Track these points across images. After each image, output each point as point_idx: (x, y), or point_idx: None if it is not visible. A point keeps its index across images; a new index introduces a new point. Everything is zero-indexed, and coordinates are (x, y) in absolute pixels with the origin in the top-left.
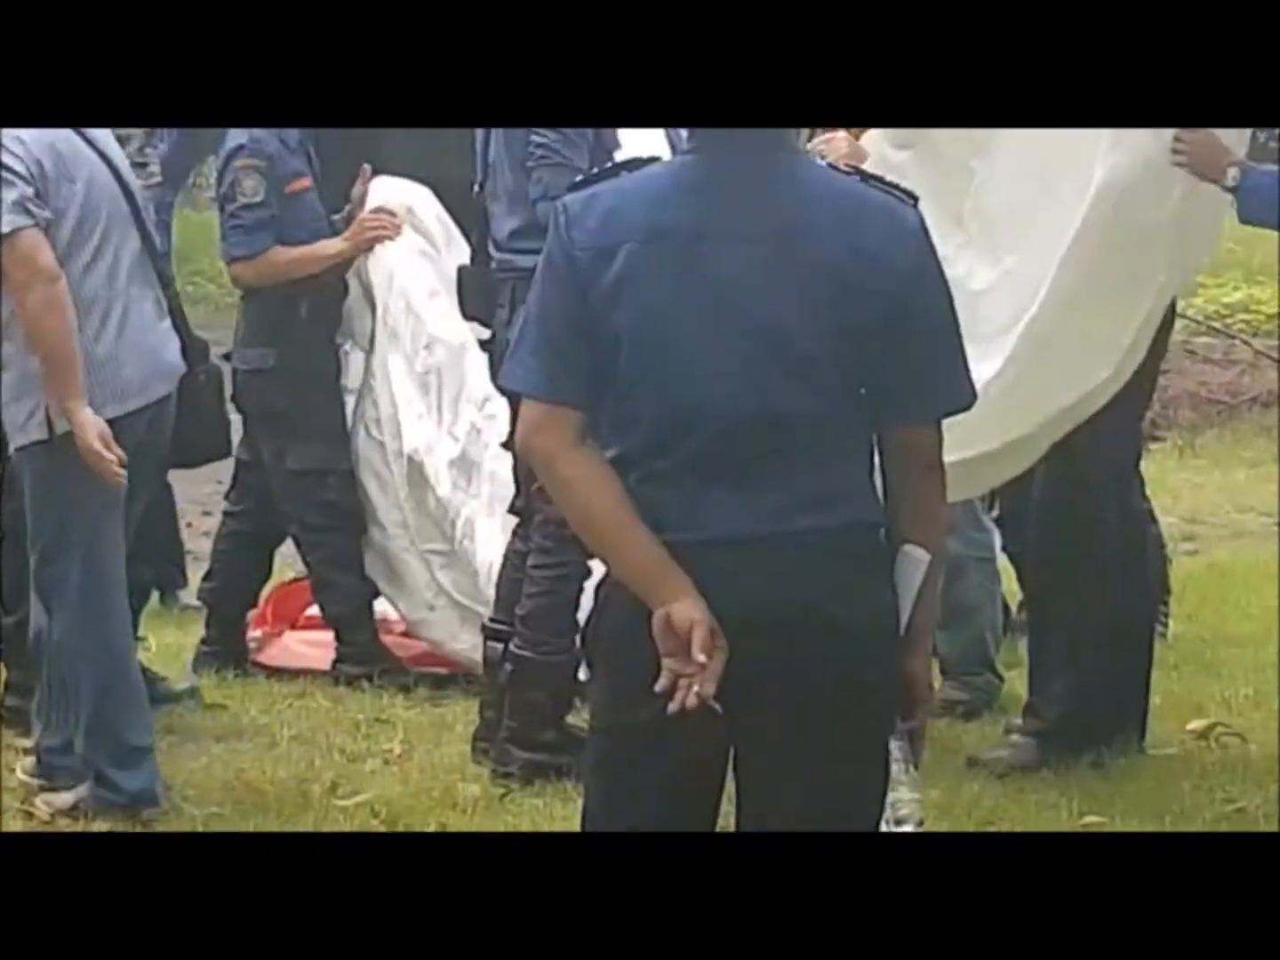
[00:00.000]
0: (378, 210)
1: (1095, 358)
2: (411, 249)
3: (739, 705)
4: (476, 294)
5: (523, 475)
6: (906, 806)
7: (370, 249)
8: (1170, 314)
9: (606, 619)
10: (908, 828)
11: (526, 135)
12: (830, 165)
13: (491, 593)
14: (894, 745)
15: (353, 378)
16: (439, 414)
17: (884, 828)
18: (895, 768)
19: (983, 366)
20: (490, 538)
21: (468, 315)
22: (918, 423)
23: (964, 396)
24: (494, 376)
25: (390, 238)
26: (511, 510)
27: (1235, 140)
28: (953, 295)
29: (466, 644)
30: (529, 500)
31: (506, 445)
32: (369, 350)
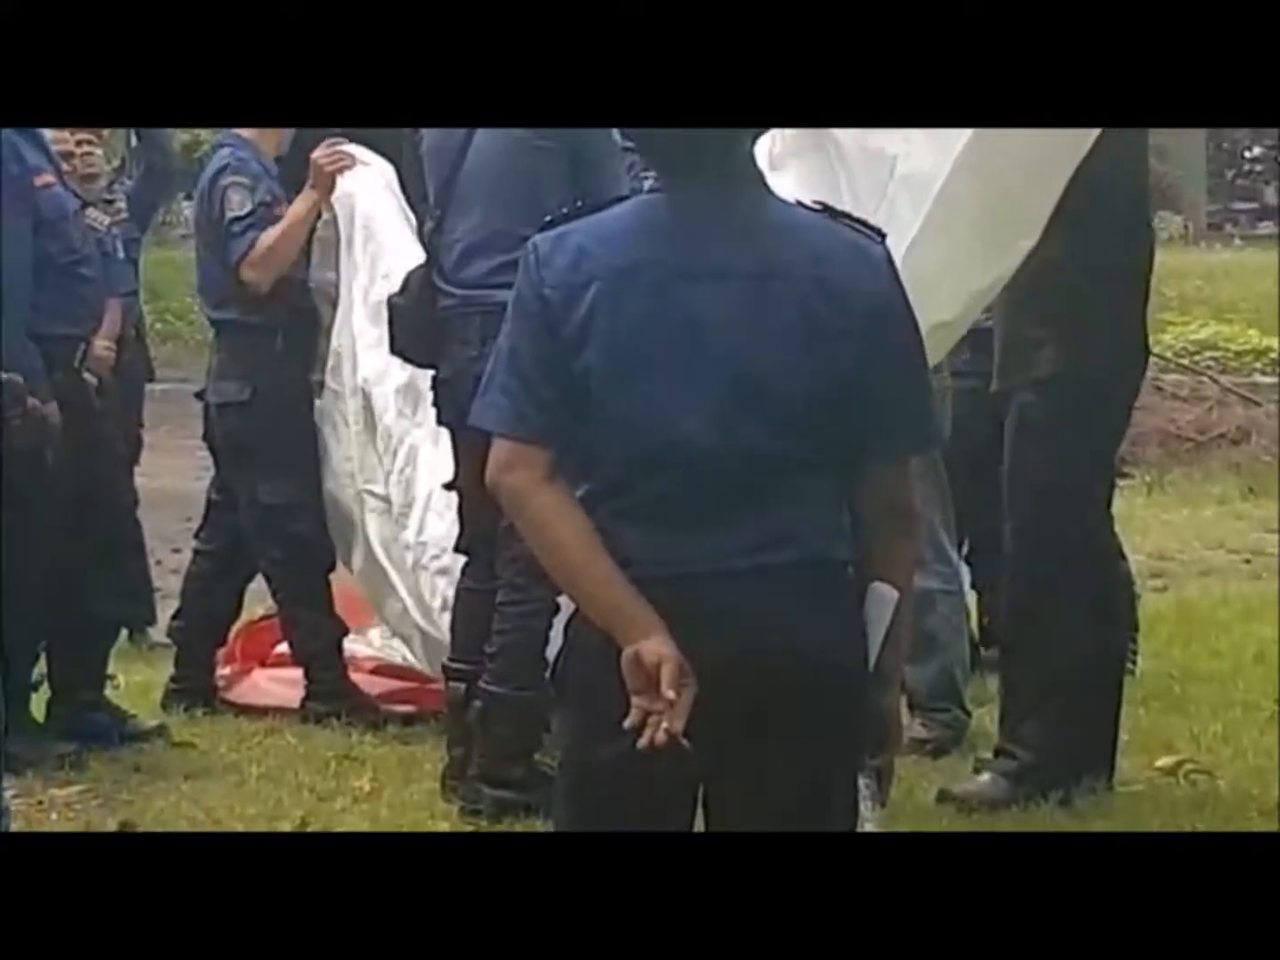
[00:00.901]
0: (329, 145)
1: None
2: (375, 183)
3: (708, 741)
4: (413, 330)
5: (471, 513)
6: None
7: (333, 184)
8: (1145, 352)
9: (575, 655)
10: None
11: (522, 179)
12: (797, 201)
13: (427, 531)
14: (861, 783)
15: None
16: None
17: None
18: (862, 805)
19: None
20: (432, 468)
21: (395, 350)
22: (886, 461)
23: (933, 435)
24: (440, 416)
25: (347, 166)
26: (457, 549)
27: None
28: (920, 333)
29: (397, 608)
30: (480, 538)
31: (450, 486)
32: (336, 296)
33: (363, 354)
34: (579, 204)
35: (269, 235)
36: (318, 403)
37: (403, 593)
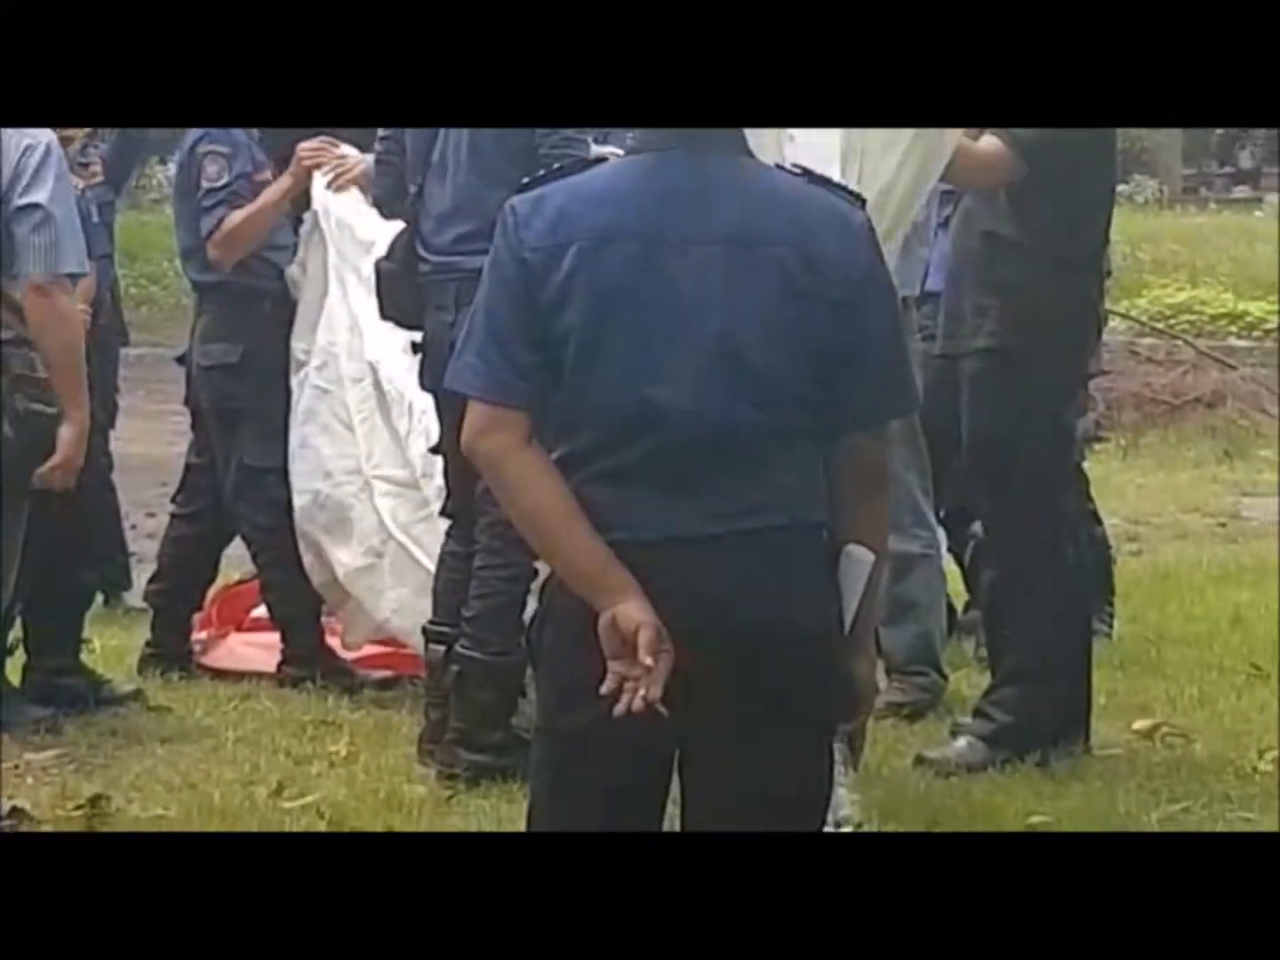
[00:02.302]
0: (321, 140)
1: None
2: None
3: (685, 705)
4: (398, 295)
5: (454, 477)
6: (846, 807)
7: (308, 177)
8: (1096, 318)
9: (551, 620)
10: (847, 829)
11: (496, 142)
12: (778, 165)
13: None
14: (835, 747)
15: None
16: None
17: (826, 829)
18: (836, 769)
19: None
20: None
21: (385, 316)
22: (864, 427)
23: (909, 403)
24: (423, 380)
25: (326, 164)
26: (444, 513)
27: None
28: (898, 300)
29: (409, 589)
30: (463, 502)
31: (435, 450)
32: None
33: (368, 331)
34: (559, 167)
35: (236, 216)
36: (304, 403)
37: (431, 566)
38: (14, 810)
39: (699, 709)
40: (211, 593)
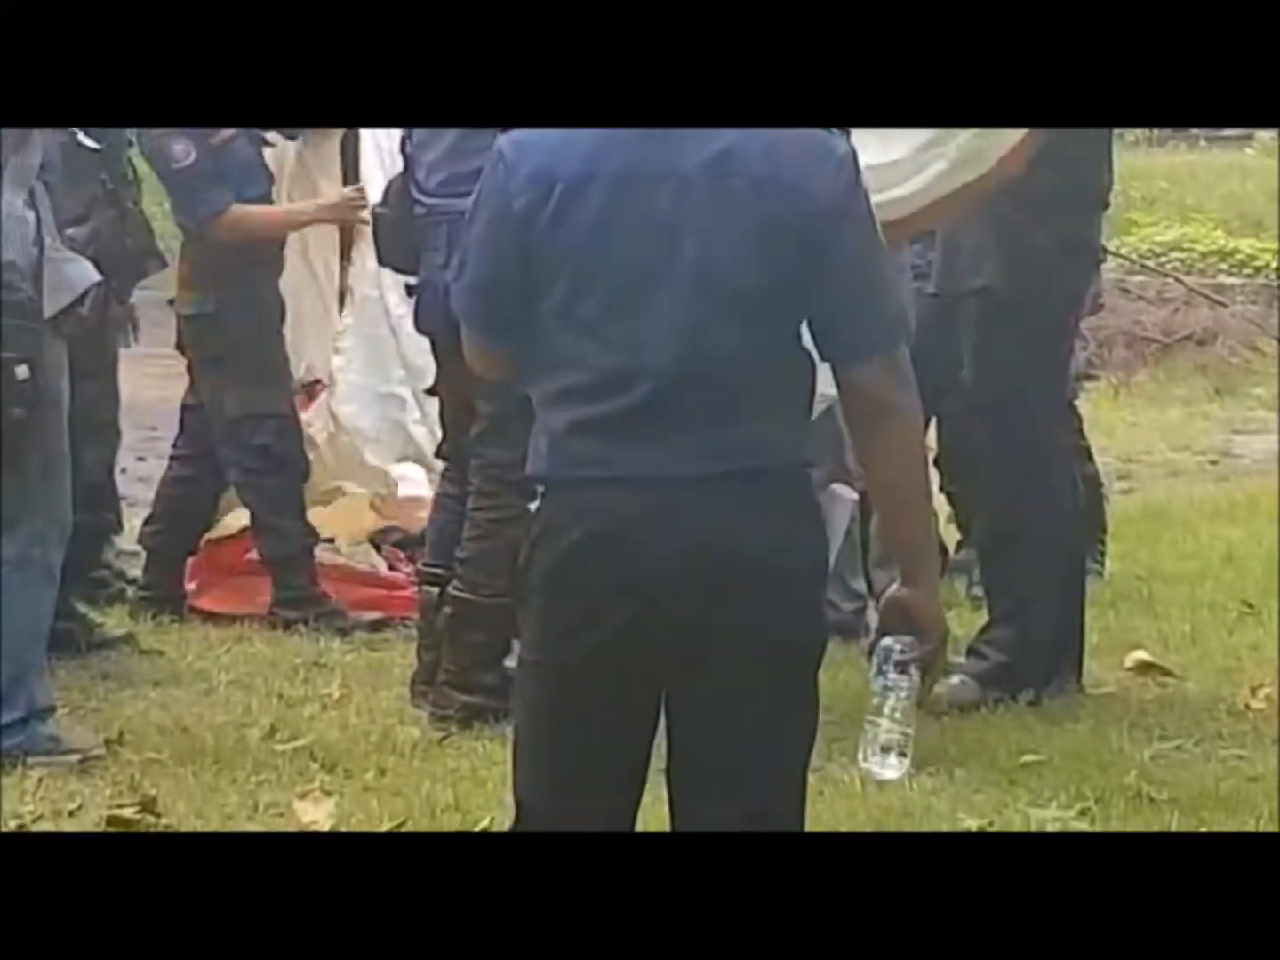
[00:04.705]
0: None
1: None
2: None
3: (670, 644)
4: (396, 240)
5: (449, 419)
6: (894, 748)
7: (349, 221)
8: (1096, 258)
9: (540, 553)
10: (889, 771)
11: None
12: None
13: None
14: (891, 672)
15: None
16: None
17: (865, 761)
18: (891, 699)
19: None
20: None
21: (384, 261)
22: (856, 361)
23: (896, 337)
24: (418, 322)
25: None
26: (438, 454)
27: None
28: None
29: None
30: (457, 444)
31: (431, 391)
32: None
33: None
34: None
35: (255, 214)
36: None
37: None
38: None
39: (688, 643)
40: (205, 539)
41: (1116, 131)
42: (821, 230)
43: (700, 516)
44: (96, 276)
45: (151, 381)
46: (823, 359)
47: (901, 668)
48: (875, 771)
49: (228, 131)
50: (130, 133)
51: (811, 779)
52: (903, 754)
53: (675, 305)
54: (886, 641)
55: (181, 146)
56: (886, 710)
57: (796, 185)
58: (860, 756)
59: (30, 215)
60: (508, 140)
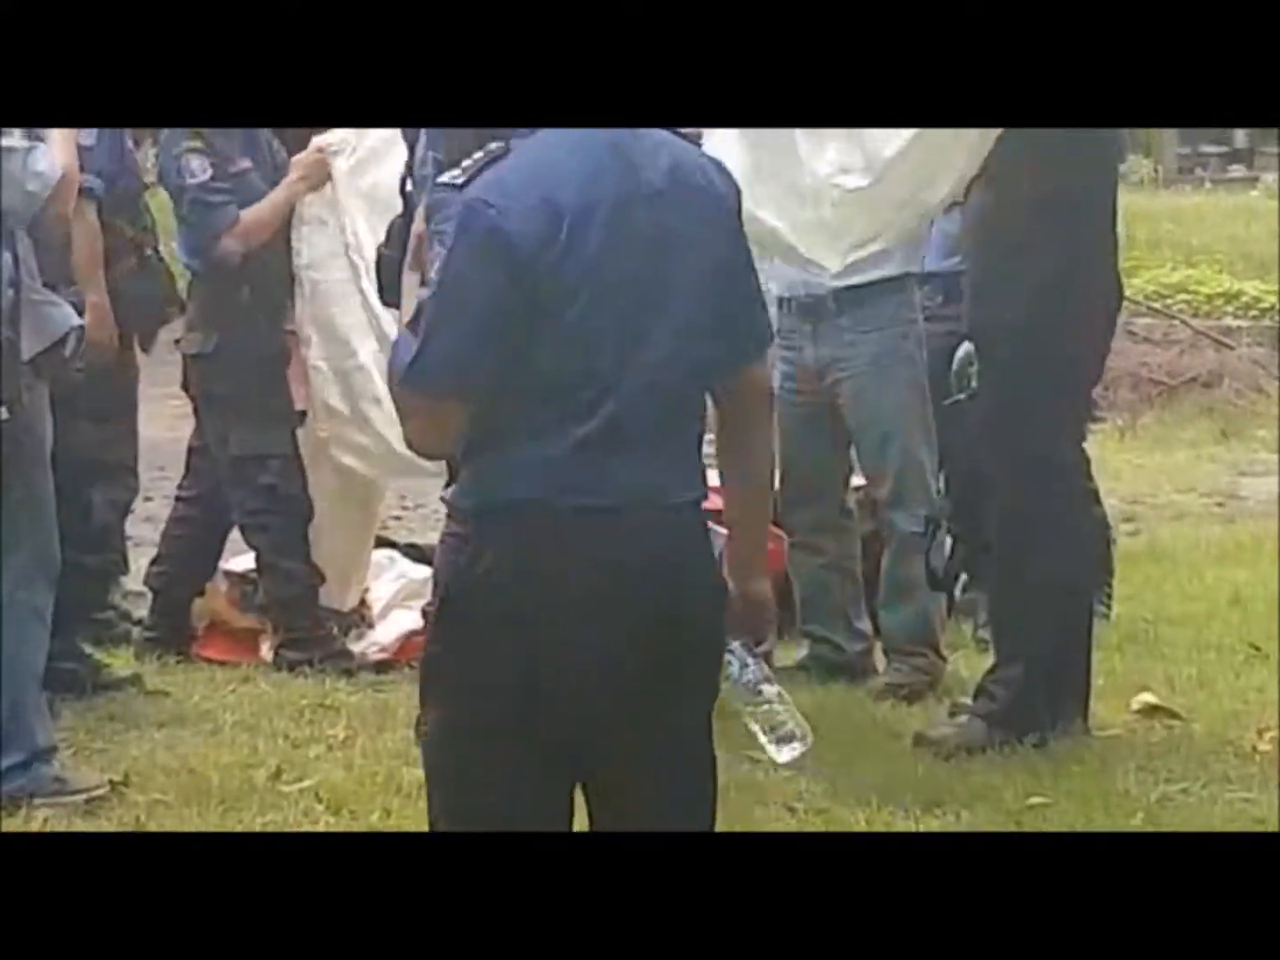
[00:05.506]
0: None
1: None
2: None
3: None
4: (398, 280)
5: (456, 463)
6: (789, 722)
7: (325, 179)
8: (1118, 298)
9: (444, 649)
10: (797, 745)
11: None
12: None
13: None
14: (752, 666)
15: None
16: None
17: (771, 748)
18: (766, 688)
19: None
20: None
21: (387, 302)
22: (755, 356)
23: (769, 325)
24: None
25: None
26: (443, 497)
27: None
28: None
29: None
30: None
31: None
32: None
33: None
34: (490, 149)
35: (256, 211)
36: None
37: None
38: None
39: (635, 667)
40: (209, 584)
41: (1121, 173)
42: (736, 233)
43: (654, 544)
44: (77, 320)
45: (160, 421)
46: (724, 361)
47: (756, 659)
48: (779, 756)
49: (245, 163)
50: (149, 176)
51: (818, 821)
52: (806, 735)
53: (649, 332)
54: (737, 643)
55: (199, 162)
56: (768, 699)
57: (720, 193)
58: (765, 747)
59: (7, 256)
60: (481, 190)
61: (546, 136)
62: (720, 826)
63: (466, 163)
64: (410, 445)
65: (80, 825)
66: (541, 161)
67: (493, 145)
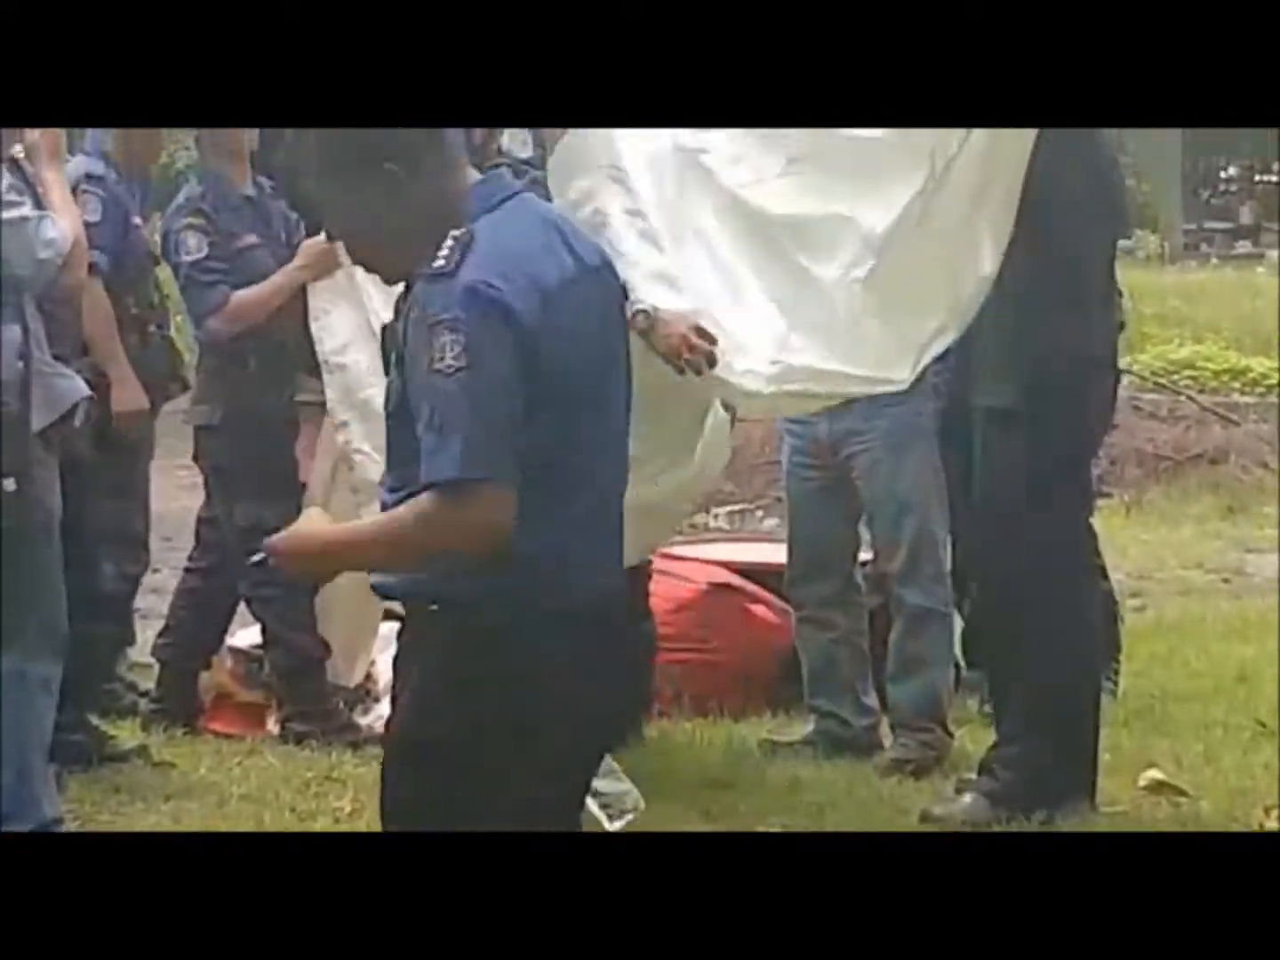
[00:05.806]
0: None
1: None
2: None
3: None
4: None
5: None
6: (627, 797)
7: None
8: (1116, 371)
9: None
10: (631, 817)
11: None
12: None
13: None
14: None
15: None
16: None
17: (610, 824)
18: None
19: None
20: None
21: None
22: None
23: None
24: None
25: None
26: None
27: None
28: None
29: None
30: None
31: None
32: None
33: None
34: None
35: (247, 295)
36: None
37: None
38: None
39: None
40: (217, 658)
41: (1127, 249)
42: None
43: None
44: (86, 391)
45: (166, 491)
46: None
47: None
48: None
49: (251, 238)
50: (158, 250)
51: None
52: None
53: (623, 397)
54: None
55: (195, 240)
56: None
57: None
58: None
59: (16, 329)
60: (477, 272)
61: (497, 219)
62: None
63: (444, 250)
64: (468, 547)
65: None
66: (509, 242)
67: (455, 233)
